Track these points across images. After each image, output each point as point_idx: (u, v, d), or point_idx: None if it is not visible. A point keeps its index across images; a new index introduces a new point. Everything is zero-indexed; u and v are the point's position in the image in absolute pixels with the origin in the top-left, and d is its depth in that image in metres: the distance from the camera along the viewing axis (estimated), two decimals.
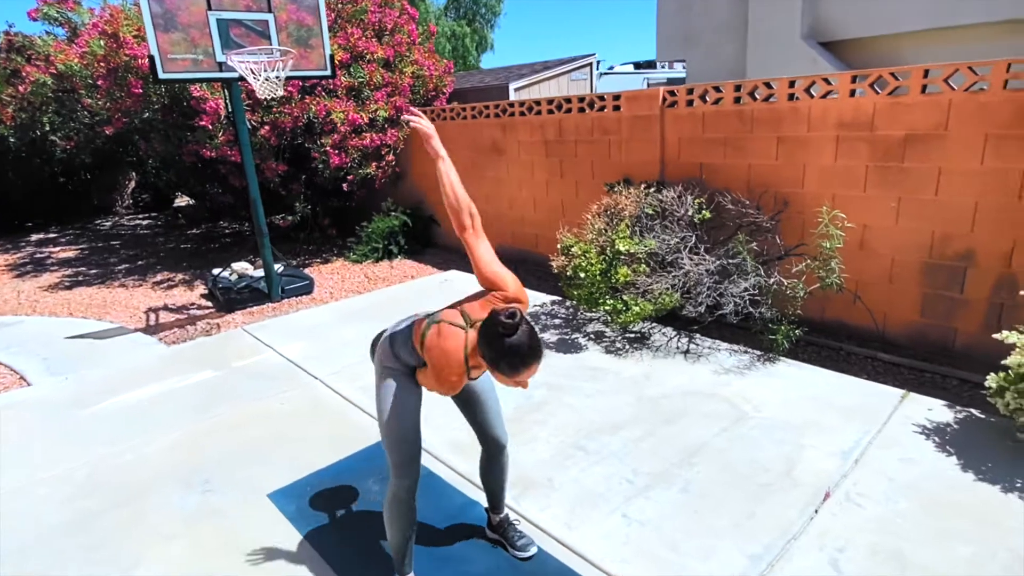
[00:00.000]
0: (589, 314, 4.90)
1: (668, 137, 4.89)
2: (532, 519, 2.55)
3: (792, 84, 4.10)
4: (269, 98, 4.96)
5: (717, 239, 4.42)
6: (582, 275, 4.15)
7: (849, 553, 2.26)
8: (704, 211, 4.36)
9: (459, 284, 6.07)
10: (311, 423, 3.49)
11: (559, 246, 4.74)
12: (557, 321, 4.90)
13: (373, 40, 7.17)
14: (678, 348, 4.20)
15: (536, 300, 5.43)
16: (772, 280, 3.95)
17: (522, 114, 6.05)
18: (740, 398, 3.48)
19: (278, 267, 6.04)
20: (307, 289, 6.12)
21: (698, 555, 2.31)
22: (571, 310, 5.12)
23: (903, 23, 7.08)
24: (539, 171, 6.07)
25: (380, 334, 2.16)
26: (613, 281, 4.09)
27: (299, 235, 8.28)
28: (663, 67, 14.48)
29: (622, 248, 4.04)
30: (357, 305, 5.64)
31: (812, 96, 4.01)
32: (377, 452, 3.14)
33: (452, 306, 1.91)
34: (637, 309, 4.05)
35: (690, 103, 4.70)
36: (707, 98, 4.59)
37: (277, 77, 4.41)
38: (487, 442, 2.23)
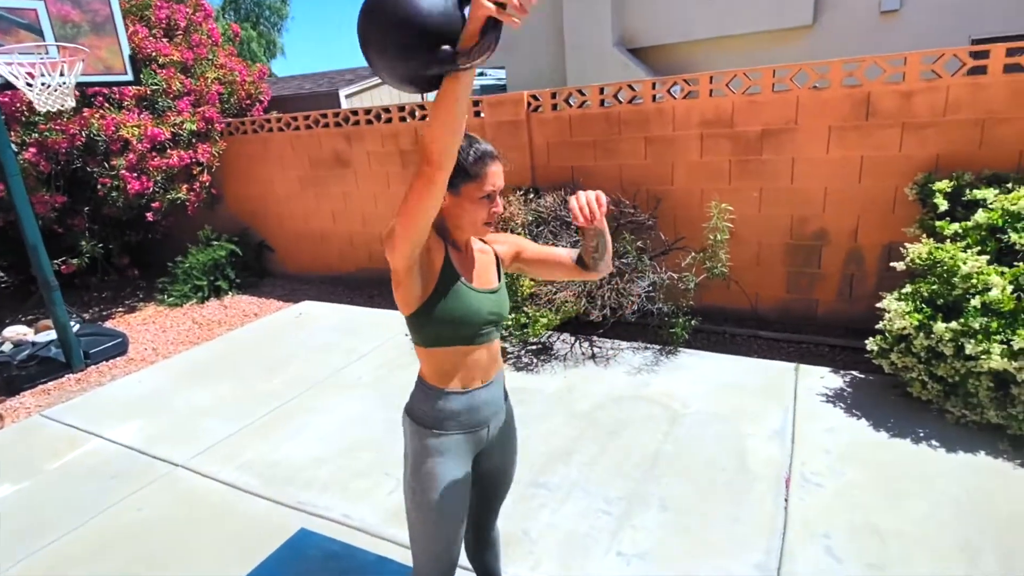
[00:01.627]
0: None
1: (536, 142, 4.79)
2: None
3: (654, 86, 4.26)
4: (44, 112, 3.79)
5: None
6: None
7: (835, 538, 2.33)
8: None
9: (318, 317, 5.34)
10: (192, 530, 2.70)
11: None
12: None
13: (163, 40, 6.00)
14: (583, 354, 4.13)
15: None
16: (667, 275, 4.05)
17: (369, 122, 5.52)
18: (666, 397, 3.49)
19: (73, 326, 4.72)
20: (120, 348, 4.90)
21: None
22: None
23: (696, 32, 7.94)
24: (396, 184, 5.60)
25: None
26: (519, 294, 3.86)
27: (89, 281, 6.65)
28: (479, 74, 14.68)
29: None
30: (196, 359, 4.64)
31: (675, 97, 4.20)
32: (303, 543, 2.52)
33: None
34: (544, 321, 3.88)
35: (555, 107, 4.65)
36: (572, 102, 4.59)
37: (64, 84, 3.35)
38: (487, 528, 1.84)
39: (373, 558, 2.41)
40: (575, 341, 4.31)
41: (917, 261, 3.17)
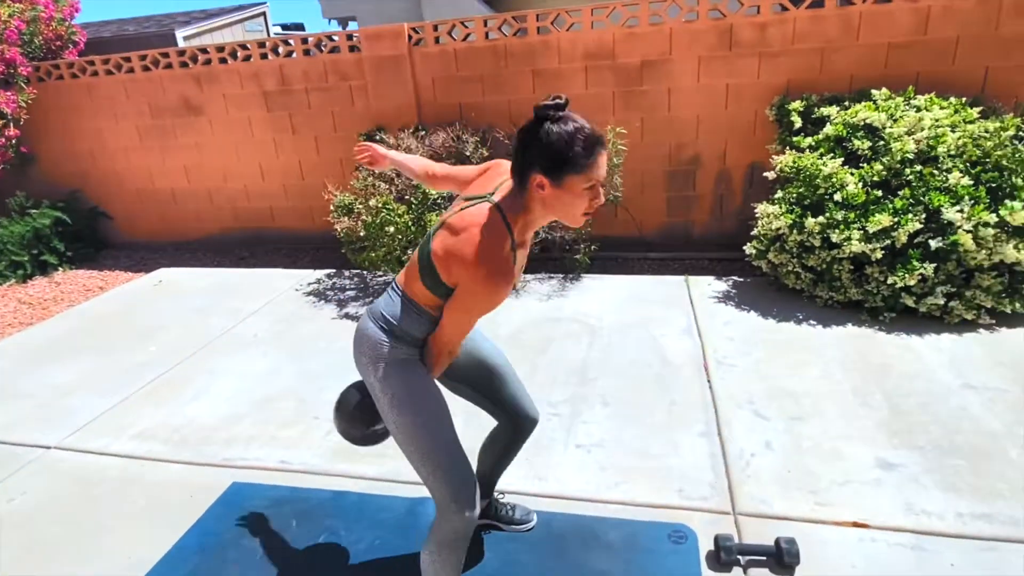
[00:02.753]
0: (387, 277, 4.43)
1: (420, 78, 4.62)
2: (498, 489, 2.21)
3: (538, 17, 4.29)
4: None
5: None
6: (390, 229, 3.68)
7: (758, 403, 2.62)
8: (482, 149, 4.31)
9: (182, 283, 4.75)
10: (91, 507, 2.31)
11: (333, 207, 4.12)
12: (349, 294, 4.28)
13: None
14: None
15: (303, 278, 4.63)
16: None
17: (224, 61, 4.91)
18: (580, 315, 3.64)
19: None
20: None
21: (668, 451, 2.36)
22: (358, 279, 4.54)
23: None
24: (261, 130, 5.09)
25: (361, 333, 1.49)
26: (428, 228, 3.74)
27: None
28: (330, 25, 13.37)
29: (434, 192, 3.71)
30: (40, 338, 3.91)
31: (559, 29, 4.28)
32: (240, 495, 2.27)
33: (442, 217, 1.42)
34: None
35: (437, 40, 4.51)
36: (455, 34, 4.48)
37: None
38: (520, 419, 1.77)
39: (328, 495, 2.25)
40: None
41: (785, 170, 3.61)
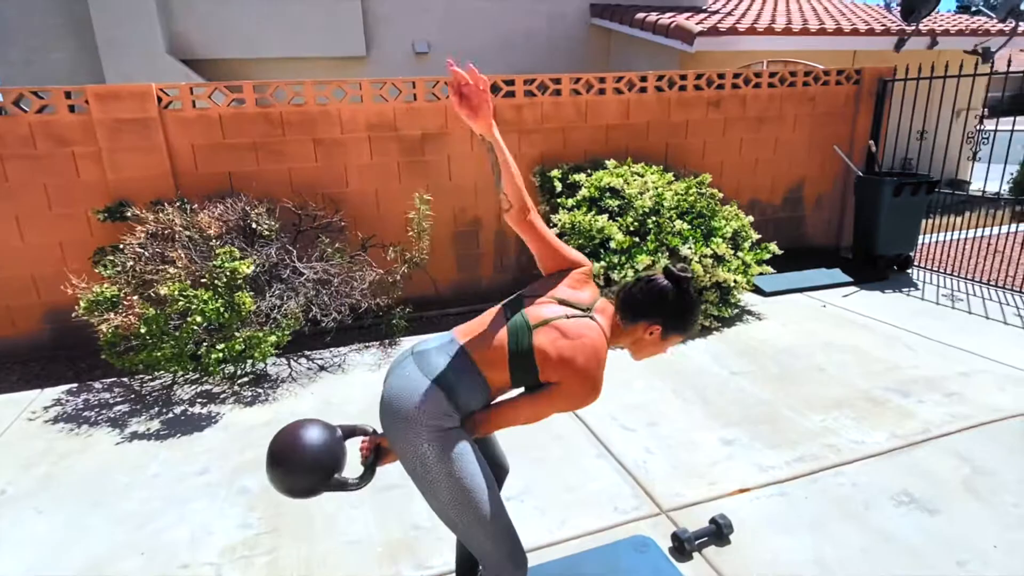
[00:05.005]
0: (166, 379, 3.64)
1: (176, 145, 4.01)
2: None
3: (311, 86, 4.22)
4: None
5: (298, 246, 4.13)
6: (198, 320, 3.09)
7: (620, 419, 3.09)
8: (270, 220, 3.97)
9: None
10: None
11: (85, 303, 3.27)
12: (122, 409, 3.39)
13: None
14: (310, 369, 3.82)
15: (30, 402, 3.47)
16: (377, 272, 4.13)
17: None
18: None
19: None
20: None
21: (584, 479, 2.61)
22: (122, 389, 3.61)
23: (257, 50, 7.84)
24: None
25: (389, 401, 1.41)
26: (242, 313, 3.26)
27: None
28: None
29: (246, 270, 3.25)
30: None
31: (337, 100, 4.28)
32: None
33: (535, 303, 1.49)
34: (274, 338, 3.42)
35: (194, 104, 4.01)
36: (218, 99, 4.06)
37: None
38: (497, 468, 1.77)
39: None
40: (289, 358, 3.92)
41: (564, 227, 4.32)
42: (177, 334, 3.23)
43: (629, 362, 3.38)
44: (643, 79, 4.97)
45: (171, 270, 3.24)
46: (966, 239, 6.24)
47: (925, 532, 2.24)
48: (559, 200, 4.57)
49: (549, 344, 1.41)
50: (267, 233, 3.85)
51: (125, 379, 3.72)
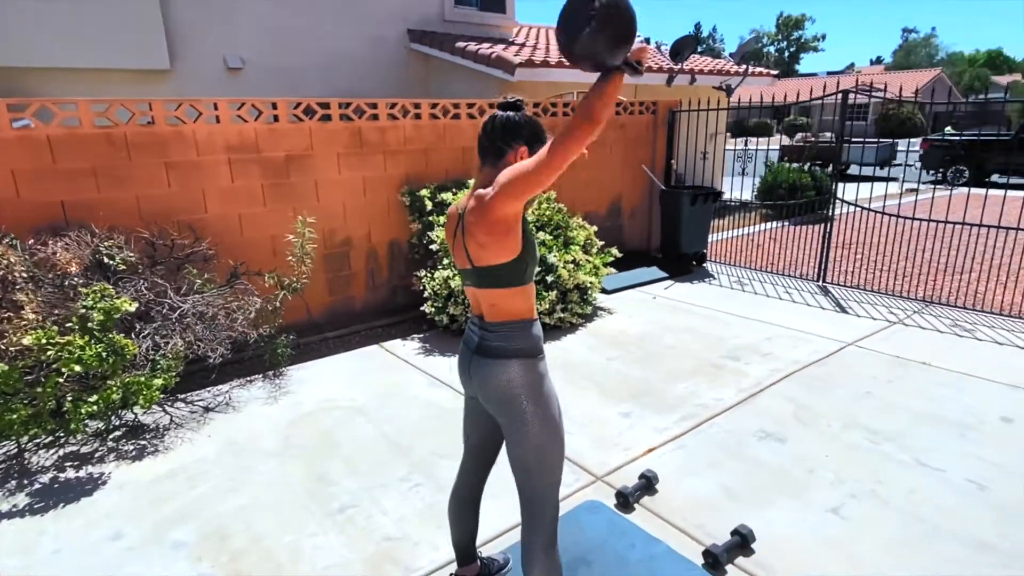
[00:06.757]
0: (5, 450, 3.06)
1: None
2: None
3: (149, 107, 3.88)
4: None
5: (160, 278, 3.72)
6: (75, 369, 2.69)
7: None
8: (125, 252, 3.56)
9: None
10: None
11: None
12: None
13: None
14: (193, 412, 3.50)
15: None
16: (258, 301, 3.91)
17: None
18: (328, 401, 3.60)
19: None
20: None
21: None
22: None
23: (36, 59, 6.70)
24: None
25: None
26: (127, 357, 2.90)
27: None
28: None
29: (128, 308, 2.89)
30: None
31: (190, 120, 3.98)
32: None
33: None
34: (160, 381, 3.10)
35: (13, 123, 3.43)
36: (43, 117, 3.52)
37: None
38: (486, 466, 1.99)
39: None
40: (163, 403, 3.55)
41: (444, 244, 4.55)
42: (39, 390, 2.77)
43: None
44: (491, 105, 5.44)
45: (29, 315, 2.77)
46: (734, 237, 7.86)
47: (781, 454, 2.97)
48: (431, 218, 4.79)
49: (471, 220, 1.61)
50: (123, 267, 3.45)
51: None
